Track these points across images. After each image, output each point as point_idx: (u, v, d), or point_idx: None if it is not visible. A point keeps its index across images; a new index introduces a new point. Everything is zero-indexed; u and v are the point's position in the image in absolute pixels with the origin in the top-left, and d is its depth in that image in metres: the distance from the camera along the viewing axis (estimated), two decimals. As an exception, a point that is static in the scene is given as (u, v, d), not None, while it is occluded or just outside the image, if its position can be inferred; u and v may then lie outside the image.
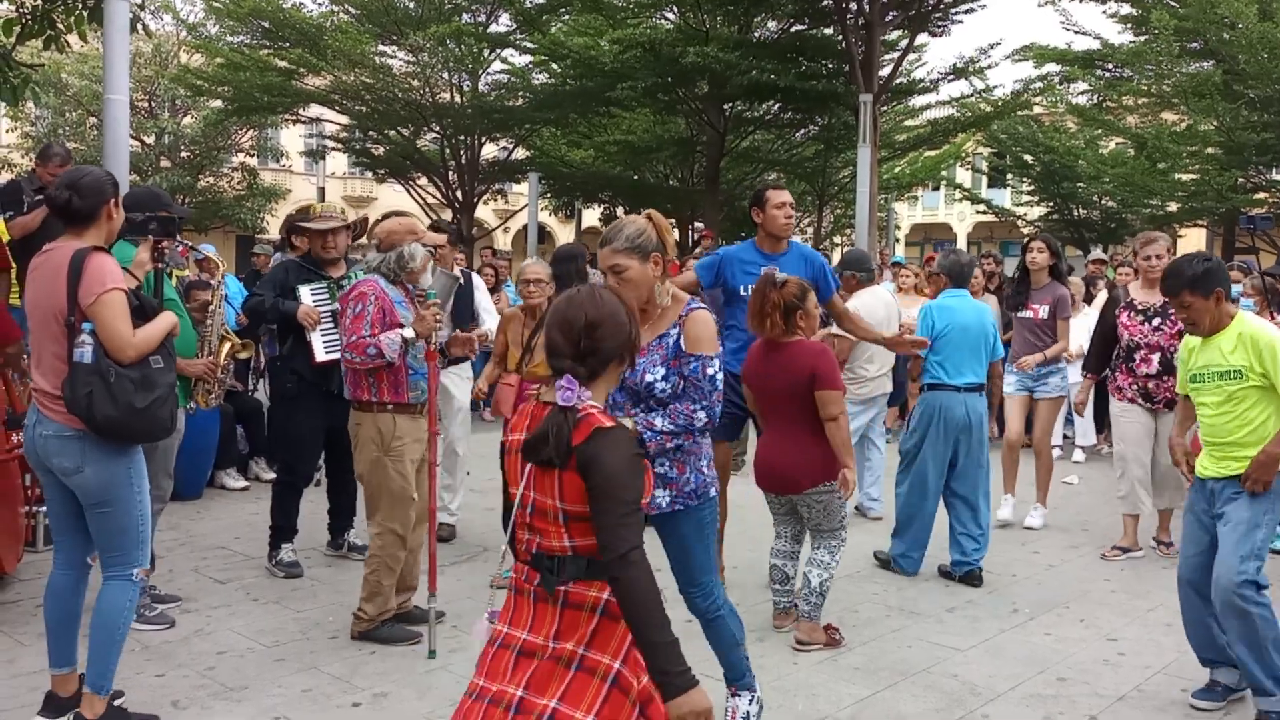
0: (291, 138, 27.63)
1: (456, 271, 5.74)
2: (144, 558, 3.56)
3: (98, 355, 3.34)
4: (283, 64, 18.06)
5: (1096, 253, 12.72)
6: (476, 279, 6.43)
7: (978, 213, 29.23)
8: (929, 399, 5.67)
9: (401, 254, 4.48)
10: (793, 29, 17.08)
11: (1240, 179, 18.59)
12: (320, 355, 5.24)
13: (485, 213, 29.02)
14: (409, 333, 4.37)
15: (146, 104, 24.23)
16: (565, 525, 2.29)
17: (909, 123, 21.94)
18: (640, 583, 2.20)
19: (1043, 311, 6.70)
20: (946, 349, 5.64)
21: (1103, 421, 9.55)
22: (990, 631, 4.80)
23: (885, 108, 17.61)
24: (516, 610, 2.38)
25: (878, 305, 6.74)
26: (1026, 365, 6.70)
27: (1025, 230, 25.94)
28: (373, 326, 4.33)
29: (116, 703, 3.64)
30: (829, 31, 16.43)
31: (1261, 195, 19.35)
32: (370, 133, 20.41)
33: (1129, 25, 19.63)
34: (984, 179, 30.16)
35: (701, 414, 3.21)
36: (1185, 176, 19.91)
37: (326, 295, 5.35)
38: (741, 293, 4.98)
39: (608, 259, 3.19)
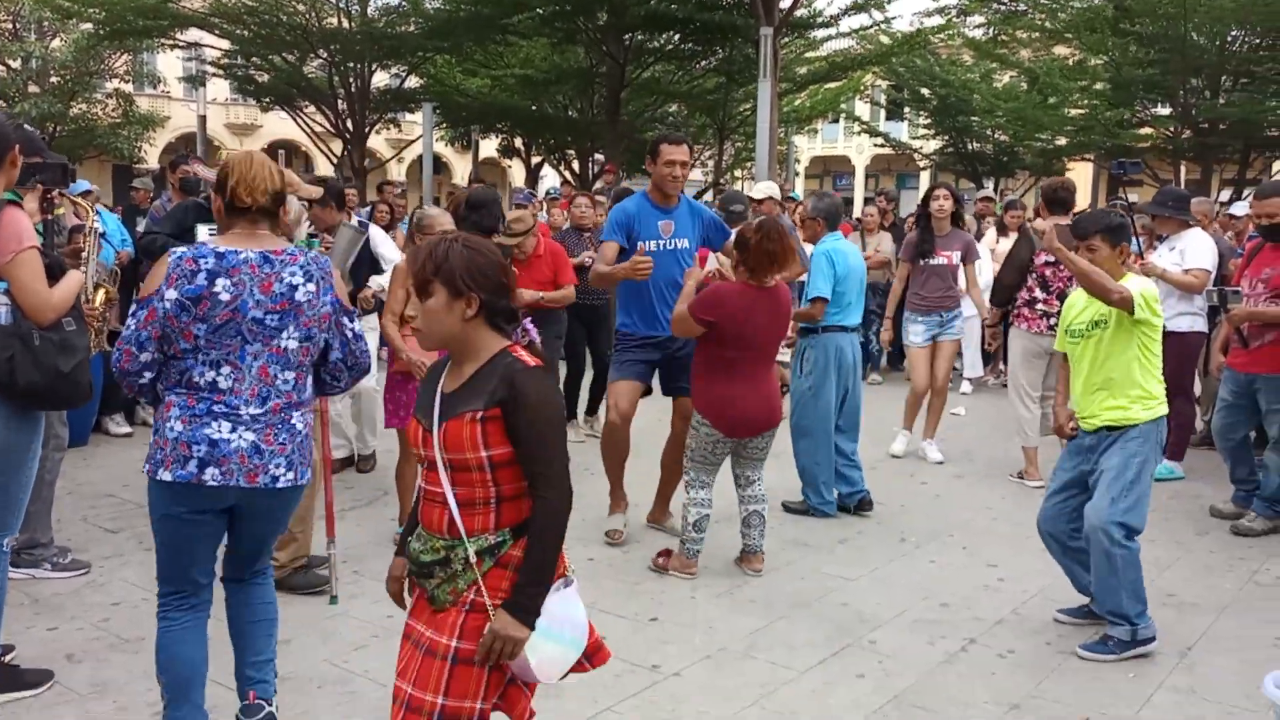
0: (169, 62, 26.22)
1: (355, 221, 5.54)
2: (17, 525, 3.41)
3: (15, 316, 3.17)
4: (158, -16, 17.12)
5: (987, 190, 13.05)
6: (374, 229, 6.21)
7: (876, 146, 29.64)
8: (827, 341, 5.59)
9: None
10: (693, -43, 16.88)
11: (1127, 115, 19.22)
12: None
13: (378, 142, 28.22)
14: None
15: (11, 25, 22.75)
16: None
17: (809, 54, 22.00)
18: None
19: (955, 258, 7.00)
20: (847, 292, 5.61)
21: (989, 354, 9.89)
22: (879, 561, 5.00)
23: (786, 40, 17.60)
24: None
25: None
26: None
27: (921, 163, 26.42)
28: None
29: (8, 658, 3.56)
30: (729, -39, 16.28)
31: (1147, 130, 20.02)
32: (253, 59, 19.57)
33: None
34: (882, 112, 30.53)
35: None
36: (1074, 112, 20.54)
37: None
38: (644, 250, 4.92)
39: None
